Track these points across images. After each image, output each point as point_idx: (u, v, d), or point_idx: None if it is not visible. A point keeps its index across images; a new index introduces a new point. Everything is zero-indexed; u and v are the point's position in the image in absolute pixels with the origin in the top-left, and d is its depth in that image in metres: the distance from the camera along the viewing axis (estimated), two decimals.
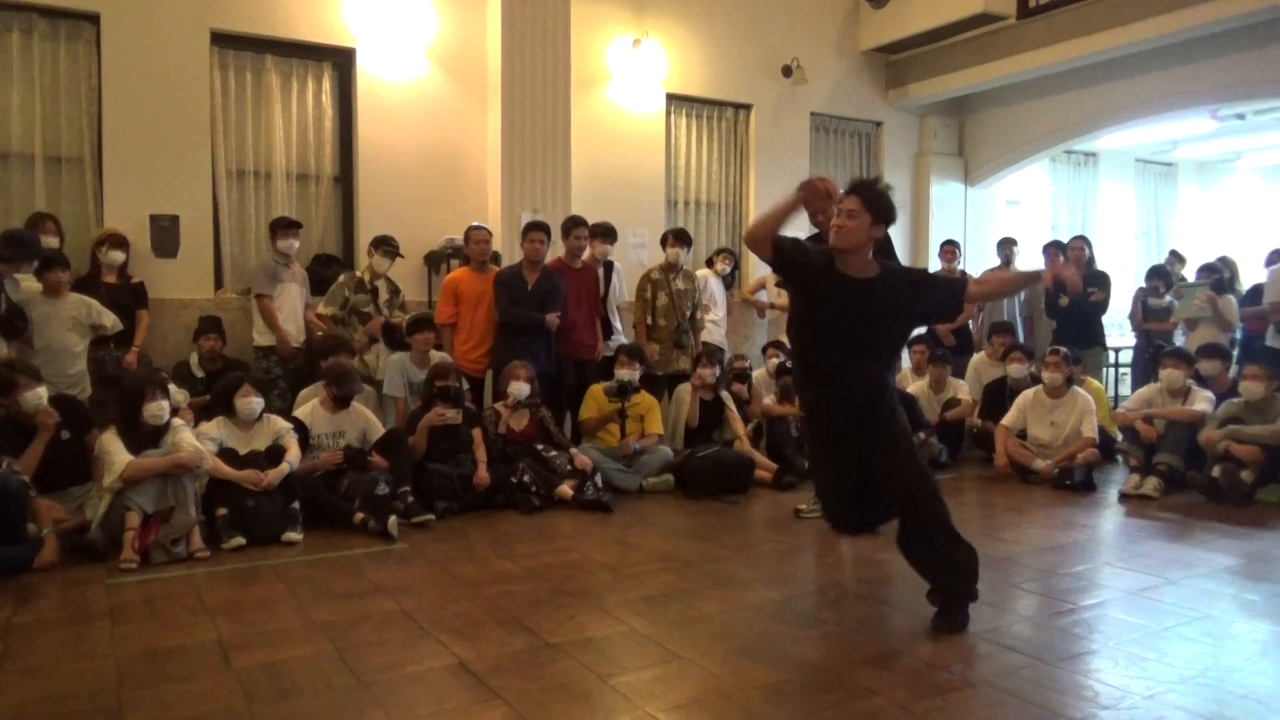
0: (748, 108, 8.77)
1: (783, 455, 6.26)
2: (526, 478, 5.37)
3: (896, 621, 3.44)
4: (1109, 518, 5.32)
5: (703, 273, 7.56)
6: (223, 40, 6.52)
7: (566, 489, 5.38)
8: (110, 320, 5.41)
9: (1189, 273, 8.81)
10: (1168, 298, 7.94)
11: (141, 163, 6.19)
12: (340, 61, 6.96)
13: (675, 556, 4.34)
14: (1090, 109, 8.86)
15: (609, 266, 6.88)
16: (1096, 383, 7.15)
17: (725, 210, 8.84)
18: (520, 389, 5.64)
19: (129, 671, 2.95)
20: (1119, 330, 9.30)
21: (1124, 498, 5.73)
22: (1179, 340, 7.64)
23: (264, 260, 6.11)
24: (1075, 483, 5.95)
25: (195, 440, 4.49)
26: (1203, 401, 5.97)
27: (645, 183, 8.14)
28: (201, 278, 6.44)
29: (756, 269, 8.68)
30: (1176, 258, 9.34)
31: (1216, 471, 5.61)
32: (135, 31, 6.16)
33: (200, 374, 5.82)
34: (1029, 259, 8.84)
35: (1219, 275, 7.75)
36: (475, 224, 6.38)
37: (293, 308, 6.12)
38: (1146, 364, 7.72)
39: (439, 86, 7.18)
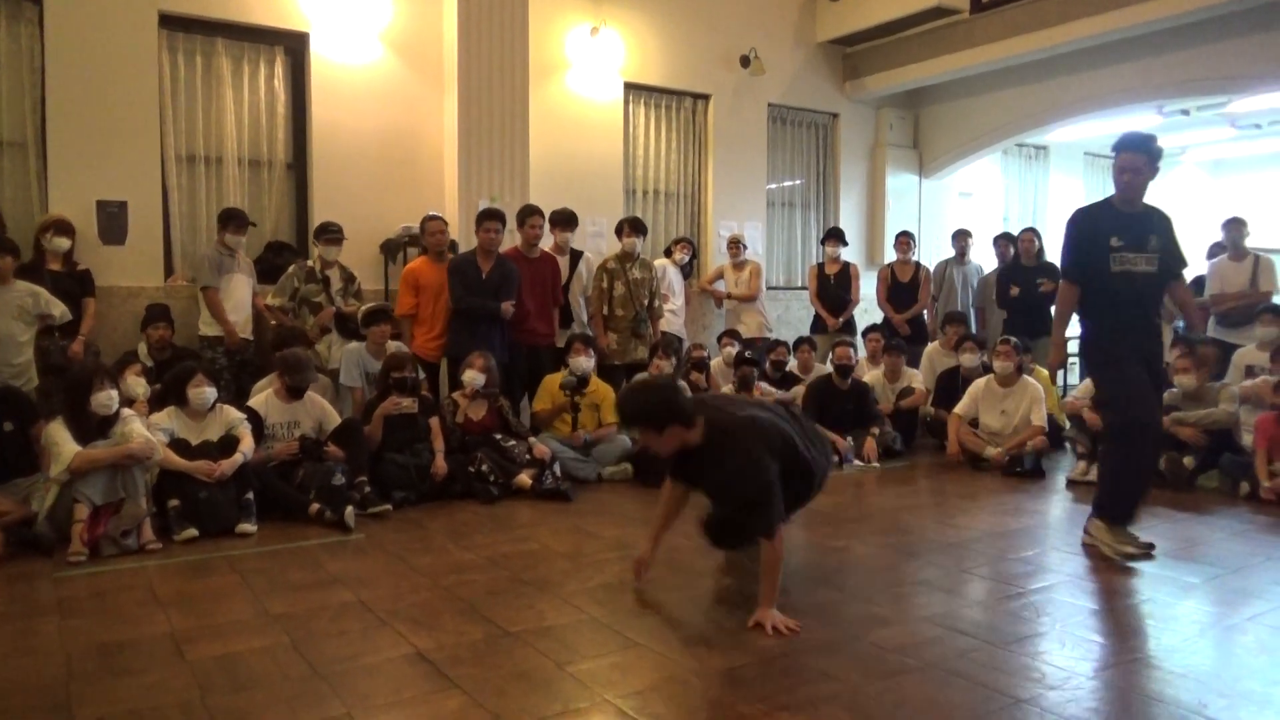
0: (706, 97, 8.80)
1: None
2: (485, 467, 5.35)
3: (850, 607, 3.50)
4: (1057, 503, 5.45)
5: (660, 262, 7.58)
6: (171, 22, 6.38)
7: (525, 478, 5.38)
8: (59, 310, 5.28)
9: None
10: None
11: (88, 147, 6.05)
12: (293, 46, 6.85)
13: (633, 545, 4.35)
14: (1041, 103, 9.02)
15: (576, 255, 6.86)
16: (1046, 372, 7.30)
17: (683, 200, 8.87)
18: (475, 378, 5.62)
19: (78, 666, 2.90)
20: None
21: (1071, 484, 5.86)
22: None
23: (208, 252, 6.00)
24: (1025, 470, 6.08)
25: (145, 430, 4.41)
26: None
27: (603, 171, 8.14)
28: (150, 265, 6.31)
29: (715, 258, 8.72)
30: None
31: (1160, 459, 5.77)
32: (80, 12, 6.01)
33: (150, 363, 5.71)
34: (981, 250, 8.98)
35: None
36: (430, 214, 6.33)
37: (240, 298, 6.03)
38: None
39: (394, 72, 7.10)
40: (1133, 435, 4.13)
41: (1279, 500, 5.25)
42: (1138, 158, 4.09)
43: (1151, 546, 4.18)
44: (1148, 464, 4.26)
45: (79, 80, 6.01)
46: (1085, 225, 4.26)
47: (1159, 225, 4.23)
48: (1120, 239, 4.16)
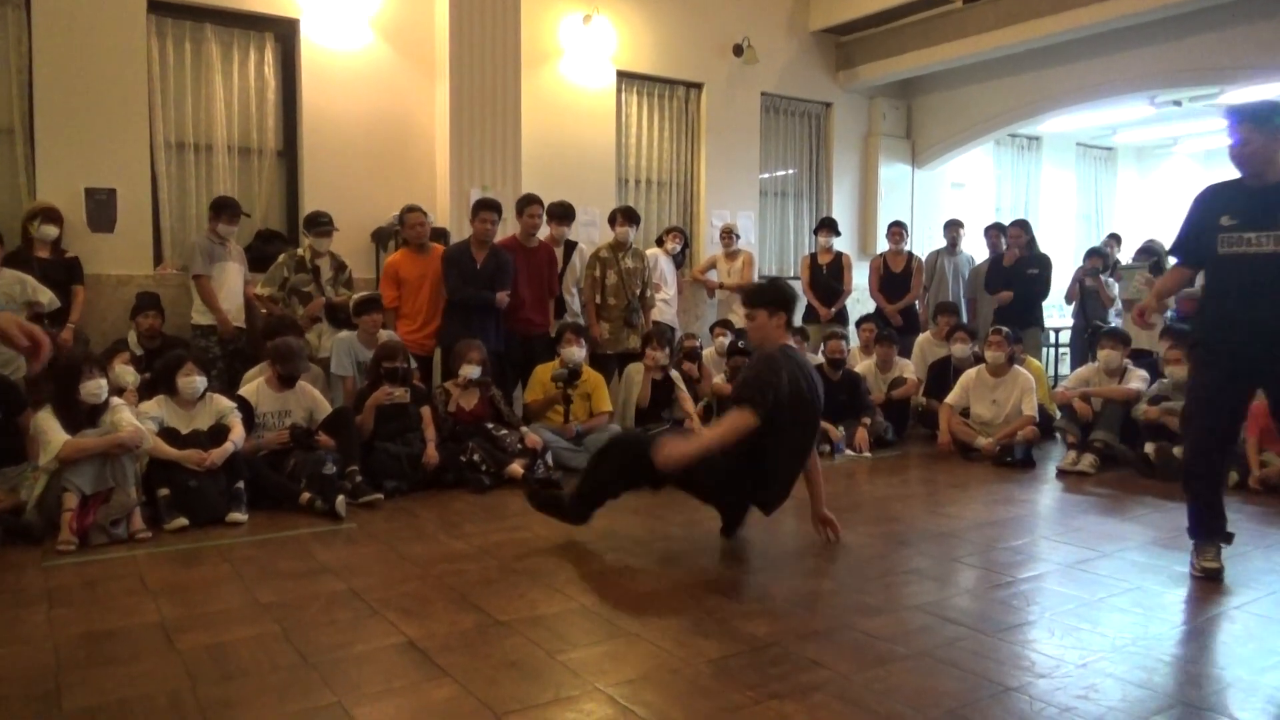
0: (699, 86, 8.77)
1: None
2: (476, 457, 5.35)
3: (841, 596, 3.50)
4: (1047, 493, 5.47)
5: (653, 251, 7.57)
6: (160, 8, 6.33)
7: (517, 468, 5.37)
8: (47, 297, 5.24)
9: (1125, 254, 9.05)
10: (1106, 278, 8.14)
11: (76, 134, 6.00)
12: (283, 32, 6.81)
13: (624, 534, 4.37)
14: (1034, 93, 9.03)
15: (570, 245, 6.85)
16: (1037, 362, 7.33)
17: (676, 189, 8.85)
18: (471, 371, 5.61)
19: (67, 655, 2.89)
20: (1059, 311, 9.52)
21: (1061, 474, 5.89)
22: (1114, 321, 7.84)
23: (199, 240, 5.96)
24: (1015, 459, 6.10)
25: (135, 419, 4.39)
26: (1138, 380, 6.15)
27: (596, 160, 8.11)
28: (139, 253, 6.27)
29: (707, 248, 8.71)
30: (1115, 240, 9.58)
31: (1149, 449, 5.79)
32: None
33: (139, 352, 5.68)
34: (973, 241, 9.00)
35: (1157, 258, 7.96)
36: (410, 206, 6.29)
37: (232, 287, 6.00)
38: (1084, 344, 7.92)
39: (386, 59, 7.06)
40: (1187, 444, 3.92)
41: (1267, 490, 5.28)
42: (1243, 128, 3.64)
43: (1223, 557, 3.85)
44: (1200, 475, 3.83)
45: (67, 66, 5.96)
46: (1199, 203, 3.84)
47: None
48: (1234, 218, 3.66)
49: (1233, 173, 3.81)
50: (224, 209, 5.94)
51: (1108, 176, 12.42)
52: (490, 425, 5.61)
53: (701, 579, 3.72)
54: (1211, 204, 3.80)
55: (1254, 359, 3.63)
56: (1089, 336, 7.59)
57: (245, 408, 4.93)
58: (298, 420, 5.10)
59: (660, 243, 7.82)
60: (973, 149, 10.18)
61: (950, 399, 6.53)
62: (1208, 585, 3.68)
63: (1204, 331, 3.83)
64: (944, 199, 10.36)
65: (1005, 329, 6.54)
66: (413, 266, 6.14)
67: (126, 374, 5.12)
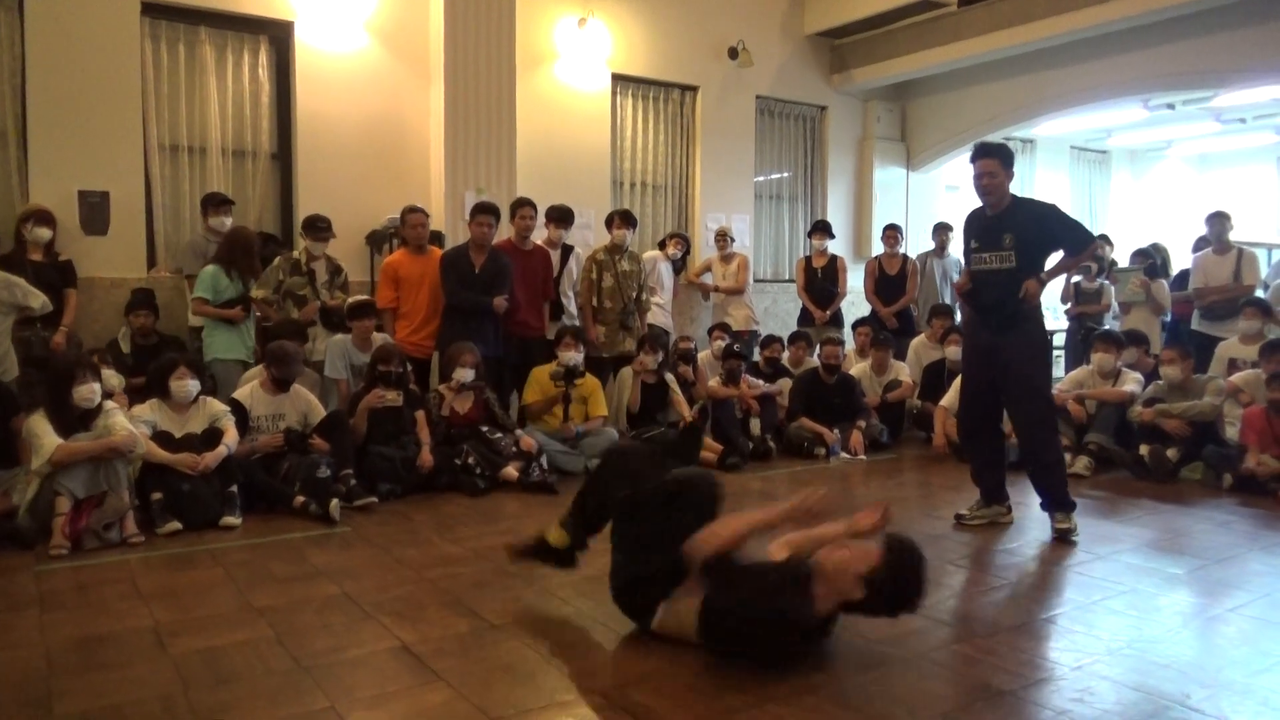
0: (694, 89, 8.78)
1: (727, 437, 6.32)
2: (471, 460, 5.33)
3: None
4: None
5: (651, 255, 7.57)
6: (154, 10, 6.32)
7: (511, 471, 5.36)
8: (39, 301, 5.20)
9: (1120, 257, 9.06)
10: (1100, 281, 8.15)
11: (69, 137, 5.98)
12: (278, 35, 6.80)
13: None
14: (1028, 97, 9.04)
15: (567, 249, 6.85)
16: None
17: (671, 192, 8.85)
18: (465, 375, 5.59)
19: (59, 660, 2.87)
20: (1053, 314, 9.53)
21: None
22: (1108, 324, 7.85)
23: (194, 239, 5.95)
24: (1010, 462, 6.08)
25: (128, 423, 4.37)
26: (1132, 383, 6.16)
27: (591, 163, 8.11)
28: (133, 256, 6.25)
29: (703, 251, 8.71)
30: (1105, 241, 9.59)
31: (1144, 451, 5.80)
32: None
33: (126, 349, 5.66)
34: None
35: (1152, 260, 7.97)
36: (411, 207, 6.28)
37: None
38: (1078, 347, 7.93)
39: (380, 62, 7.05)
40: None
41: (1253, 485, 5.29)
42: (985, 162, 4.36)
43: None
44: None
45: (60, 68, 5.94)
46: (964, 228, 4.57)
47: None
48: (976, 241, 4.49)
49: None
50: (209, 202, 5.96)
51: (1102, 179, 12.44)
52: (484, 428, 5.59)
53: None
54: (964, 230, 4.60)
55: (988, 349, 4.47)
56: (1082, 339, 7.60)
57: (239, 411, 4.91)
58: (292, 423, 5.08)
59: (662, 246, 7.83)
60: (967, 152, 10.16)
61: (945, 401, 6.52)
62: (1203, 588, 3.69)
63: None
64: (939, 202, 10.37)
65: None
66: (412, 267, 6.13)
67: (110, 377, 5.08)
